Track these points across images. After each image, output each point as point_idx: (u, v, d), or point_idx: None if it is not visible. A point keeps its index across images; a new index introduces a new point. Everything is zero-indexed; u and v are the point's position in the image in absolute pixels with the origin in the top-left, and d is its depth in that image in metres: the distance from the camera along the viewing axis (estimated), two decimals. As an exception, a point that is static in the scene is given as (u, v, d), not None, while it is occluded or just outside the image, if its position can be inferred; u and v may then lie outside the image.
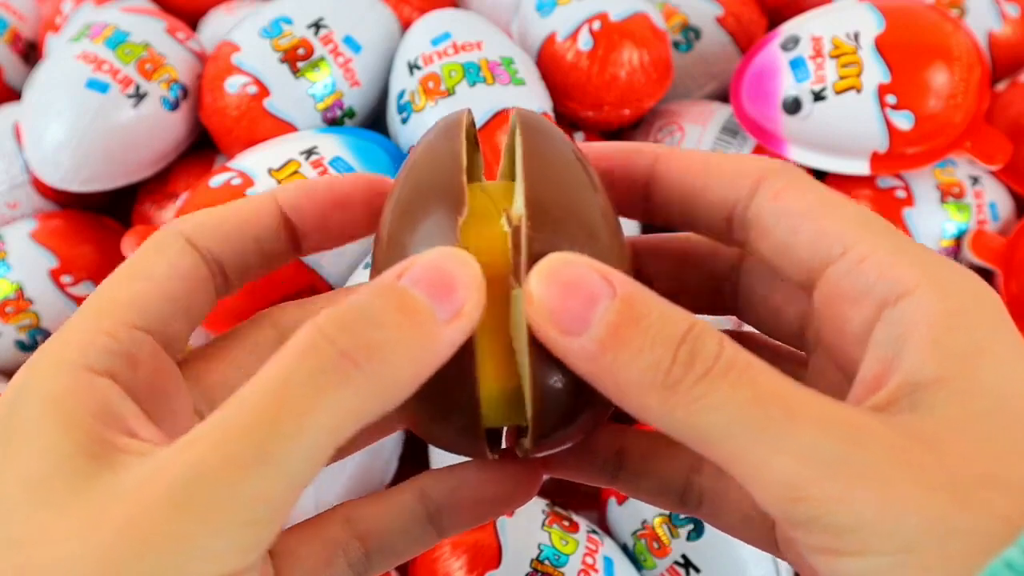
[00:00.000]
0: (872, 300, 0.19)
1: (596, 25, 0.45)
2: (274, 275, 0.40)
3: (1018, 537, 0.16)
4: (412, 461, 0.44)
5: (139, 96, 0.46)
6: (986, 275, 0.47)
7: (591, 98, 0.46)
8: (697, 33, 0.51)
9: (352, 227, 0.24)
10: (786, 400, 0.17)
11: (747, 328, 0.25)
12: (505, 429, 0.24)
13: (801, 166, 0.46)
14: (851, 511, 0.16)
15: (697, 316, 0.18)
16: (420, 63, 0.45)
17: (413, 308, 0.18)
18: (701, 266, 0.24)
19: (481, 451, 0.21)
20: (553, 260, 0.18)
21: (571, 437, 0.21)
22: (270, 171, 0.41)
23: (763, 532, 0.23)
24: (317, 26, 0.46)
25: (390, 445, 0.42)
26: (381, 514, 0.24)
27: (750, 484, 0.17)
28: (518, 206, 0.20)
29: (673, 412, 0.17)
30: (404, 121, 0.45)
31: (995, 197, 0.47)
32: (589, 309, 0.18)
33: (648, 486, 0.24)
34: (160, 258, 0.22)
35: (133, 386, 0.20)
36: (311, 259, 0.41)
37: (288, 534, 0.23)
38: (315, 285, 0.41)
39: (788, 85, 0.45)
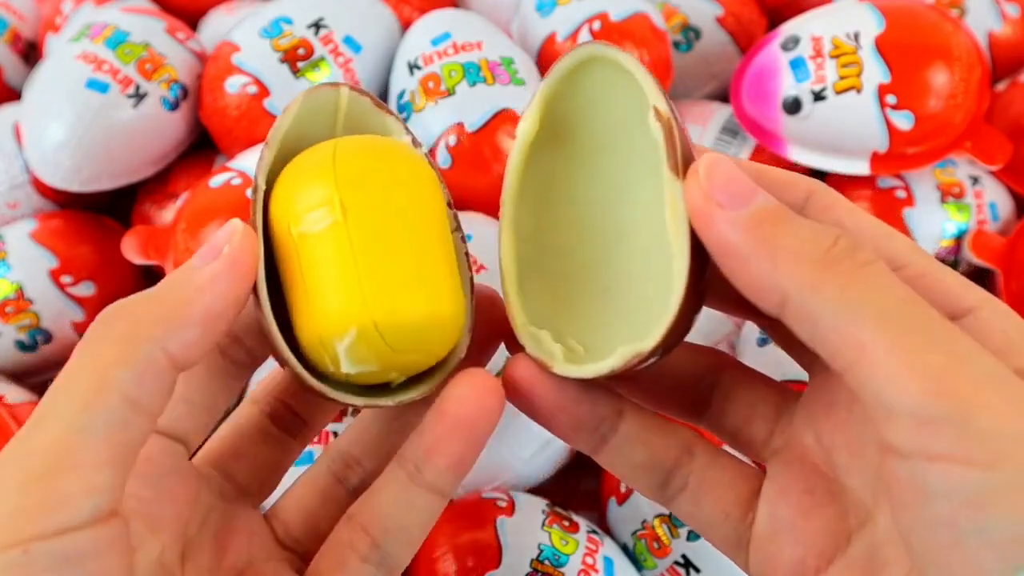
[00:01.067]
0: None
1: (596, 25, 0.45)
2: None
3: None
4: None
5: (139, 96, 0.46)
6: (986, 275, 0.47)
7: (591, 98, 0.46)
8: (697, 33, 0.52)
9: None
10: (939, 314, 0.18)
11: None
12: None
13: (801, 166, 0.46)
14: (993, 420, 0.16)
15: None
16: (420, 63, 0.45)
17: (171, 275, 0.21)
18: (677, 370, 0.25)
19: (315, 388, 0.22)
20: (717, 156, 0.20)
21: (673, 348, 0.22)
22: (270, 171, 0.41)
23: (736, 532, 0.23)
24: (317, 26, 0.46)
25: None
26: (373, 497, 0.23)
27: (890, 372, 0.17)
28: (663, 105, 0.21)
29: (823, 285, 0.18)
30: (404, 121, 0.45)
31: (995, 197, 0.47)
32: (751, 194, 0.19)
33: (638, 458, 0.24)
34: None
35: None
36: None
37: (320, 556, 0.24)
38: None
39: (788, 85, 0.45)
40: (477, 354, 0.24)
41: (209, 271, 0.21)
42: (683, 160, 0.20)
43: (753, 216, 0.19)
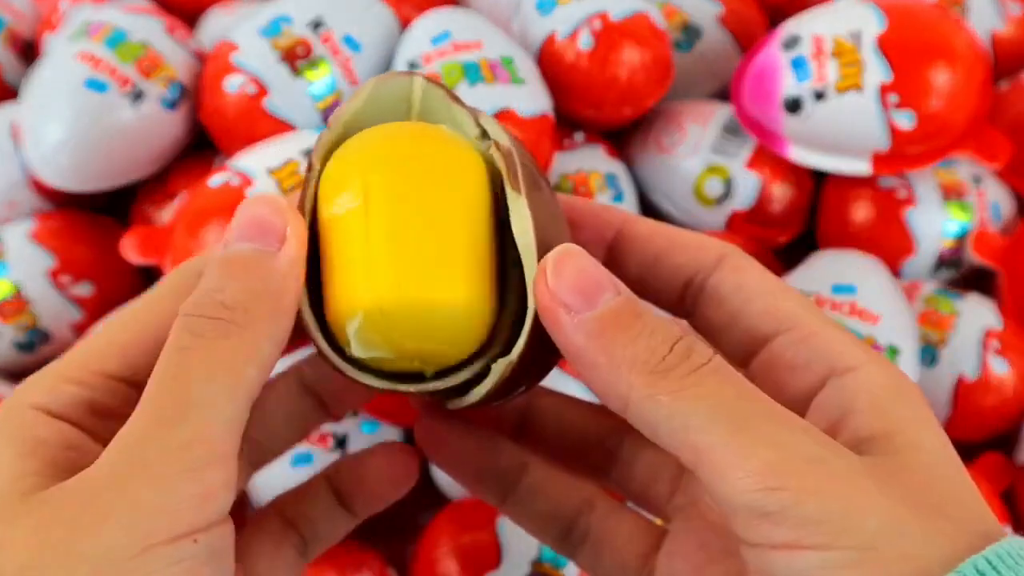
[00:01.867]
0: (817, 369, 0.21)
1: (596, 24, 0.45)
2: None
3: (980, 550, 0.17)
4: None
5: (138, 95, 0.45)
6: (988, 275, 0.47)
7: (591, 98, 0.46)
8: (698, 32, 0.51)
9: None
10: (768, 403, 0.19)
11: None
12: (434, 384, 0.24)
13: (802, 166, 0.46)
14: (822, 505, 0.17)
15: None
16: (420, 62, 0.45)
17: (241, 260, 0.21)
18: (583, 429, 0.26)
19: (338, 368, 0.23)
20: (570, 248, 0.20)
21: (508, 400, 0.23)
22: (269, 171, 0.41)
23: None
24: (316, 25, 0.46)
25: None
26: (300, 502, 0.26)
27: (724, 472, 0.18)
28: (502, 138, 0.23)
29: (656, 395, 0.19)
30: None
31: (997, 197, 0.47)
32: (597, 294, 0.20)
33: (541, 508, 0.25)
34: (146, 308, 0.23)
35: (103, 435, 0.20)
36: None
37: (240, 537, 0.24)
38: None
39: (789, 84, 0.45)
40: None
41: (287, 258, 0.21)
42: (525, 178, 0.22)
43: (597, 321, 0.19)
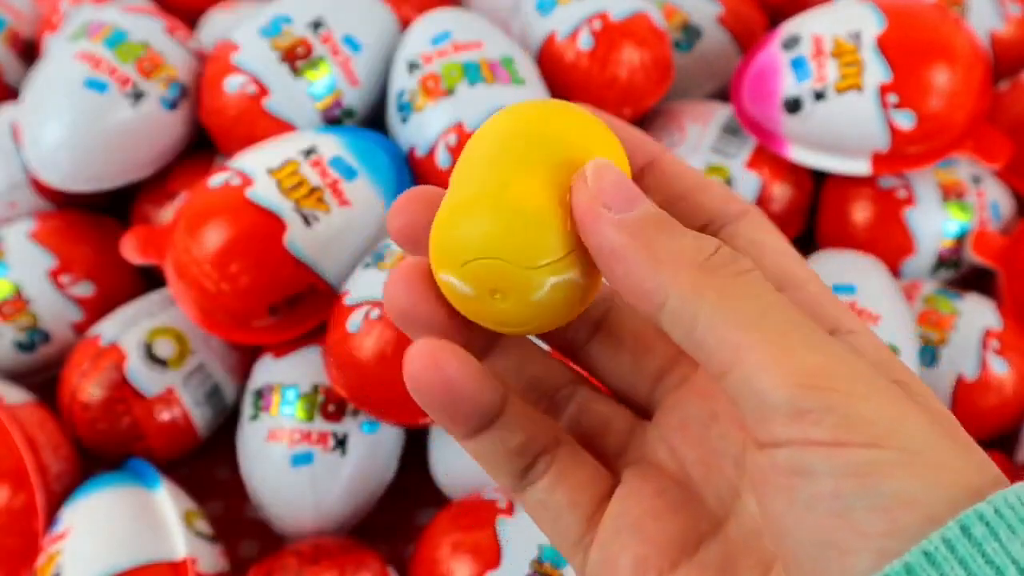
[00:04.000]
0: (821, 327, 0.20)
1: (596, 24, 0.45)
2: (274, 275, 0.40)
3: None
4: (412, 462, 0.43)
5: (138, 95, 0.45)
6: (988, 275, 0.47)
7: (591, 97, 0.46)
8: (697, 32, 0.51)
9: None
10: (811, 320, 0.19)
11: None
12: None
13: (802, 166, 0.46)
14: (873, 408, 0.17)
15: None
16: (420, 62, 0.45)
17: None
18: (535, 383, 0.25)
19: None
20: (605, 161, 0.20)
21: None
22: (269, 171, 0.41)
23: (580, 526, 0.23)
24: (317, 25, 0.46)
25: (390, 446, 0.42)
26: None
27: (767, 367, 0.18)
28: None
29: (702, 290, 0.18)
30: (404, 120, 0.45)
31: (997, 197, 0.47)
32: (636, 200, 0.20)
33: (514, 443, 0.23)
34: None
35: None
36: (310, 259, 0.41)
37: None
38: (315, 285, 0.41)
39: (789, 84, 0.45)
40: None
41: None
42: None
43: (638, 220, 0.19)
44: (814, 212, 0.49)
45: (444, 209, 0.21)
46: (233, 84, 0.45)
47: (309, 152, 0.42)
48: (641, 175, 0.23)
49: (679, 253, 0.19)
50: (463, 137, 0.42)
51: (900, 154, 0.44)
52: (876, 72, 0.43)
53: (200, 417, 0.44)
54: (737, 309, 0.18)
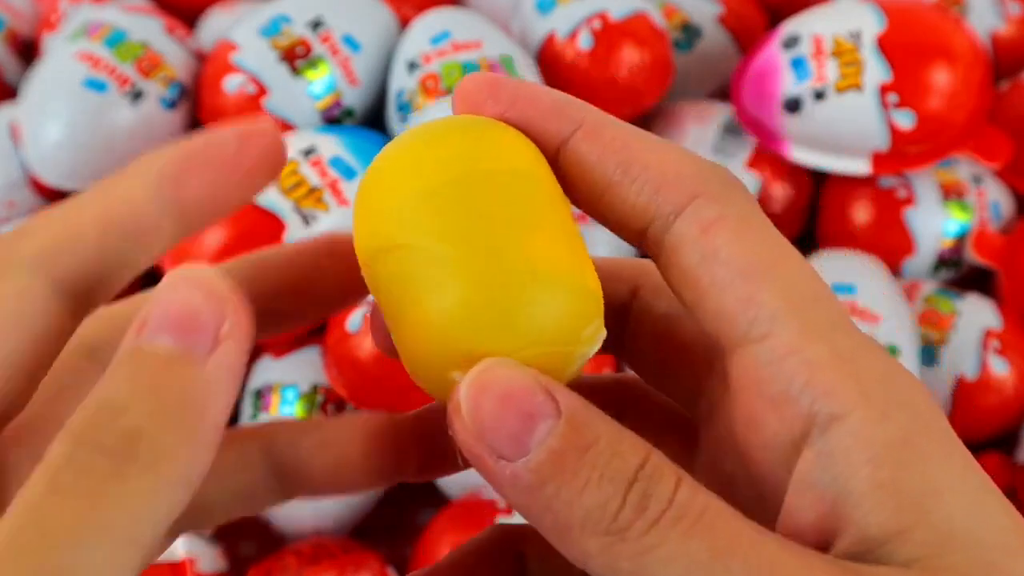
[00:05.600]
0: (798, 412, 0.16)
1: (596, 24, 0.45)
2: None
3: None
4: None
5: (137, 95, 0.45)
6: (988, 275, 0.47)
7: (591, 97, 0.45)
8: (697, 32, 0.51)
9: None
10: (750, 555, 0.15)
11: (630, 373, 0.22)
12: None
13: (802, 166, 0.46)
14: None
15: (648, 444, 0.16)
16: (420, 62, 0.45)
17: (154, 365, 0.15)
18: None
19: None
20: (489, 367, 0.16)
21: None
22: (269, 170, 0.41)
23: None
24: (316, 25, 0.46)
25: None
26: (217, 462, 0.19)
27: None
28: None
29: (618, 562, 0.15)
30: (404, 120, 0.45)
31: (997, 197, 0.47)
32: (528, 430, 0.15)
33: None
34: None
35: None
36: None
37: None
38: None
39: (789, 84, 0.45)
40: None
41: (219, 366, 0.15)
42: None
43: (535, 471, 0.15)
44: (814, 212, 0.49)
45: (438, 314, 0.16)
46: (232, 84, 0.45)
47: (308, 152, 0.42)
48: (556, 162, 0.18)
49: (584, 518, 0.15)
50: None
51: (900, 154, 0.44)
52: (876, 72, 0.43)
53: (199, 417, 0.43)
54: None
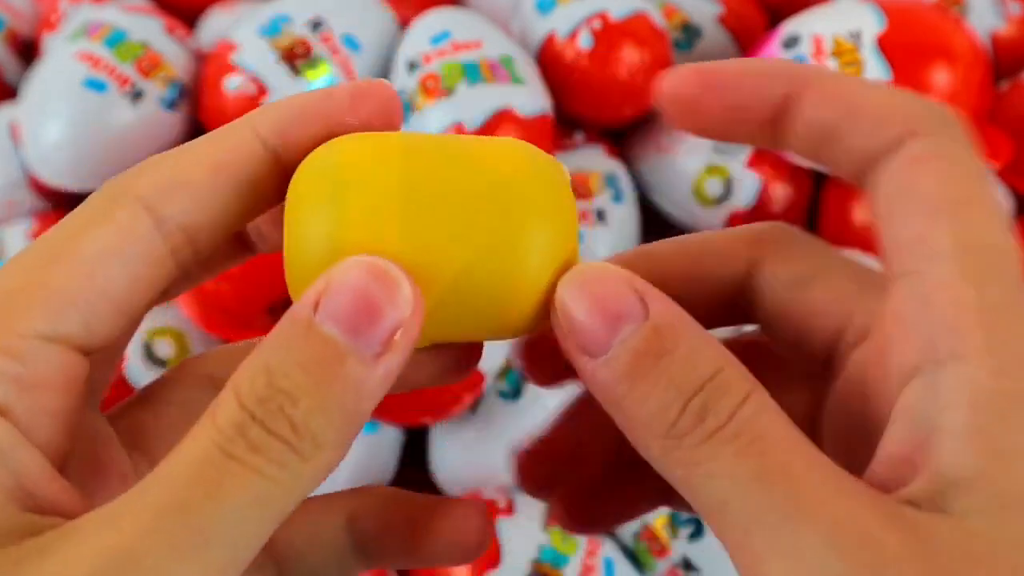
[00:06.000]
0: (921, 344, 0.16)
1: (596, 24, 0.45)
2: (273, 275, 0.40)
3: None
4: (412, 462, 0.43)
5: (137, 95, 0.45)
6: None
7: (591, 97, 0.46)
8: (698, 32, 0.51)
9: None
10: (796, 484, 0.15)
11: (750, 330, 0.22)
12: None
13: (802, 166, 0.46)
14: None
15: (731, 359, 0.16)
16: (419, 62, 0.45)
17: (326, 360, 0.15)
18: (713, 269, 0.21)
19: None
20: (586, 269, 0.17)
21: None
22: (269, 170, 0.41)
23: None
24: (316, 25, 0.46)
25: (389, 446, 0.42)
26: (300, 536, 0.20)
27: (742, 570, 0.15)
28: None
29: (673, 468, 0.15)
30: (403, 120, 0.45)
31: (997, 197, 0.47)
32: (613, 331, 0.16)
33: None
34: (101, 233, 0.17)
35: (33, 423, 0.16)
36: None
37: None
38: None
39: (789, 84, 0.45)
40: None
41: (383, 373, 0.16)
42: None
43: (609, 368, 0.16)
44: (814, 212, 0.49)
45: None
46: (232, 83, 0.45)
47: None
48: (778, 117, 0.18)
49: (648, 419, 0.16)
50: (463, 137, 0.42)
51: (900, 154, 0.44)
52: (876, 72, 0.43)
53: (199, 417, 0.44)
54: (703, 494, 0.15)
